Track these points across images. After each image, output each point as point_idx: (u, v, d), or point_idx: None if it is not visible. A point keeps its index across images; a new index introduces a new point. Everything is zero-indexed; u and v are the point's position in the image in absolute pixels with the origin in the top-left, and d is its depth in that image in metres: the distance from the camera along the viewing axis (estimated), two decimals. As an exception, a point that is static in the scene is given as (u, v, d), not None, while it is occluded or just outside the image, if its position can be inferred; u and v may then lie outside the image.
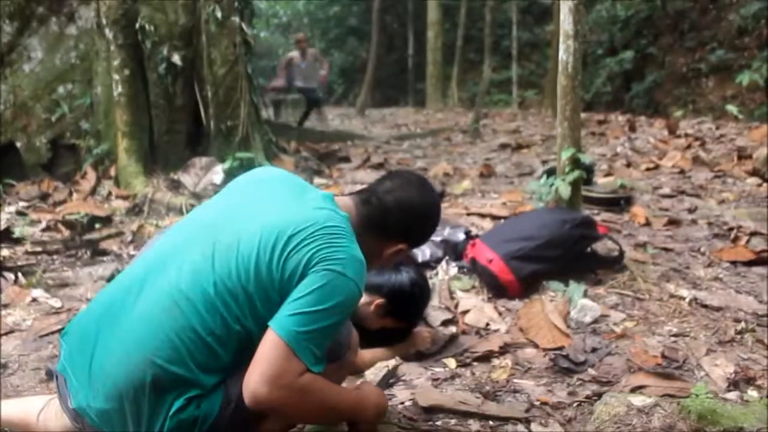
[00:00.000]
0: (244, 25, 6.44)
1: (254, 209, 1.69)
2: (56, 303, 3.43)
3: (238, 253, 1.56)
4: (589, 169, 5.85)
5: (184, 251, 1.62)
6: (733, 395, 2.33)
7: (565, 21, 3.89)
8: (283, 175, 1.91)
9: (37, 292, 3.53)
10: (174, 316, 1.52)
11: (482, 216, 4.88)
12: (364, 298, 2.54)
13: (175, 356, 1.50)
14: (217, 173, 5.84)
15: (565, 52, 3.89)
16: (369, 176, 6.93)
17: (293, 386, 1.47)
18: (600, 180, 6.30)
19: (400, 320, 2.70)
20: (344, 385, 2.36)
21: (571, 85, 3.89)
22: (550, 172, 4.53)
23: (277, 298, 1.54)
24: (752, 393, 2.34)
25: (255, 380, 1.45)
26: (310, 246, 1.55)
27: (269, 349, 1.47)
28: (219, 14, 6.18)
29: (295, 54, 12.01)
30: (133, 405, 1.50)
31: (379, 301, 2.60)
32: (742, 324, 2.95)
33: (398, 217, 1.83)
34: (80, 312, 1.76)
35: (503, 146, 9.45)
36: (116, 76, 6.00)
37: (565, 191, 3.86)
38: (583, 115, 12.66)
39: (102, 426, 1.55)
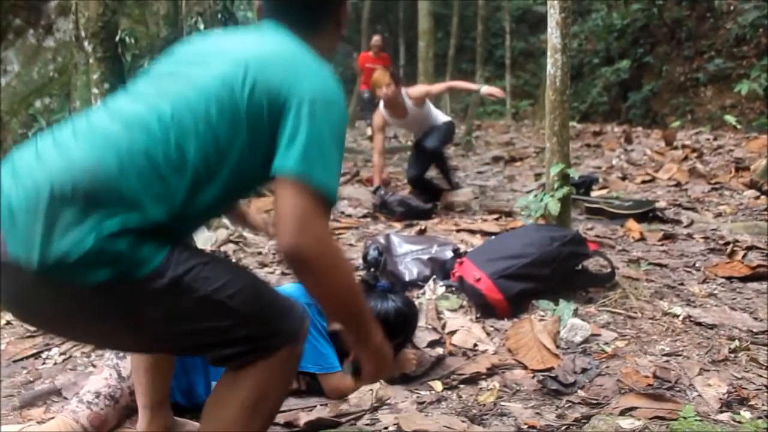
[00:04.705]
0: (227, 38, 6.29)
1: (215, 50, 1.61)
2: (31, 326, 3.26)
3: (201, 86, 1.48)
4: (590, 183, 5.88)
5: (140, 94, 1.55)
6: (725, 416, 2.25)
7: (553, 34, 3.83)
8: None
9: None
10: (126, 137, 1.42)
11: (472, 233, 4.78)
12: None
13: (118, 174, 1.38)
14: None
15: (553, 66, 3.85)
16: (357, 192, 6.78)
17: (323, 227, 1.41)
18: (594, 193, 6.17)
19: None
20: (327, 410, 2.37)
21: (560, 99, 3.83)
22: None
23: (244, 126, 1.46)
24: (745, 413, 2.26)
25: (288, 228, 1.36)
26: (279, 76, 1.49)
27: (285, 195, 1.39)
28: (201, 26, 6.06)
29: None
30: (50, 209, 1.33)
31: None
32: (737, 342, 2.86)
33: None
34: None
35: (496, 159, 9.36)
36: (95, 90, 5.83)
37: (554, 207, 3.82)
38: (578, 126, 12.79)
39: (5, 226, 1.36)
